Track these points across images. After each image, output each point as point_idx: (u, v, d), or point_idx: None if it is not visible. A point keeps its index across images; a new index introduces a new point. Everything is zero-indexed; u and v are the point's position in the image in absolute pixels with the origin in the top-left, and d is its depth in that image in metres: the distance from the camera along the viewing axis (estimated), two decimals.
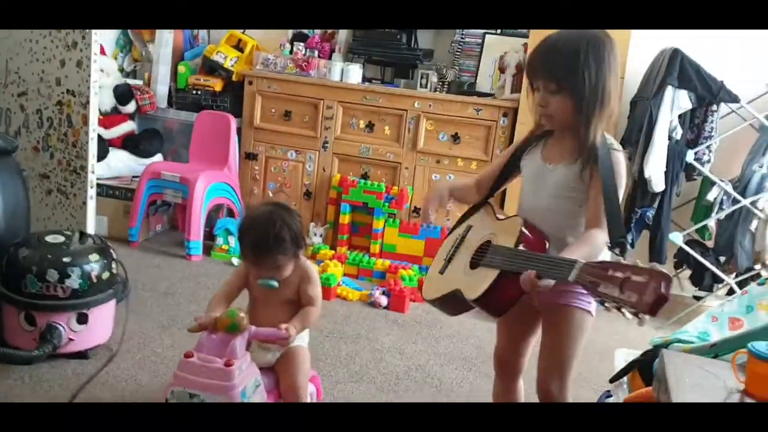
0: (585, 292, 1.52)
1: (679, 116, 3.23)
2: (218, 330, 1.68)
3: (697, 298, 3.42)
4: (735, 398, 1.26)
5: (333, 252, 3.58)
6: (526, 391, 1.85)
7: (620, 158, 1.51)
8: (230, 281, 1.91)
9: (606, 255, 1.53)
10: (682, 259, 3.47)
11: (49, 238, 2.32)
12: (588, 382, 2.55)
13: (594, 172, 1.49)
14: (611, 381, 1.81)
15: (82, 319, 2.28)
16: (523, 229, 1.51)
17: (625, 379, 1.79)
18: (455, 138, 3.60)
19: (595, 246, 1.44)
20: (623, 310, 1.21)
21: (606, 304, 1.24)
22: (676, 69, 3.13)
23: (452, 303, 1.60)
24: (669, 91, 3.15)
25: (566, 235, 1.55)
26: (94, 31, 2.80)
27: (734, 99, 3.17)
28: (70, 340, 2.27)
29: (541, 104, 1.51)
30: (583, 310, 1.60)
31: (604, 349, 2.85)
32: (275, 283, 1.80)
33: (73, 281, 2.23)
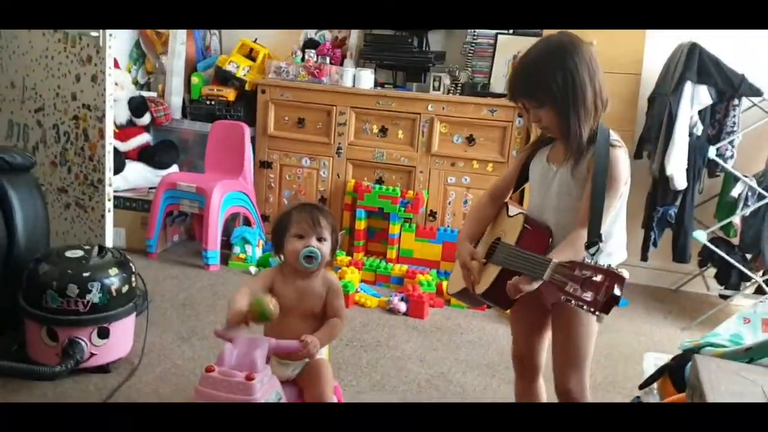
0: None
1: (700, 111, 3.17)
2: (249, 321, 1.68)
3: (724, 297, 3.36)
4: None
5: (349, 258, 3.56)
6: (548, 391, 1.83)
7: (617, 155, 1.56)
8: (254, 281, 1.85)
9: (618, 256, 1.65)
10: (706, 257, 3.41)
11: (69, 253, 2.32)
12: (615, 386, 2.50)
13: (591, 170, 1.56)
14: (641, 387, 1.77)
15: (103, 333, 2.27)
16: (526, 226, 1.62)
17: (655, 385, 1.74)
18: (470, 140, 3.57)
19: (578, 246, 1.51)
20: (584, 308, 1.33)
21: (570, 302, 1.35)
22: (695, 63, 3.08)
23: (467, 296, 1.72)
24: (688, 86, 3.10)
25: (571, 231, 1.59)
26: (108, 45, 2.80)
27: (756, 92, 3.12)
28: (92, 354, 2.26)
29: (534, 120, 1.62)
30: None
31: (629, 352, 2.81)
32: (318, 255, 1.78)
33: (94, 296, 2.23)
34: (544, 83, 1.55)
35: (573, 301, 1.34)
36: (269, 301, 1.67)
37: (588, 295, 1.30)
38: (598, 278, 1.30)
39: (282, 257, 1.86)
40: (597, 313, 1.30)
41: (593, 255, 1.47)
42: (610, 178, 1.53)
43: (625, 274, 1.30)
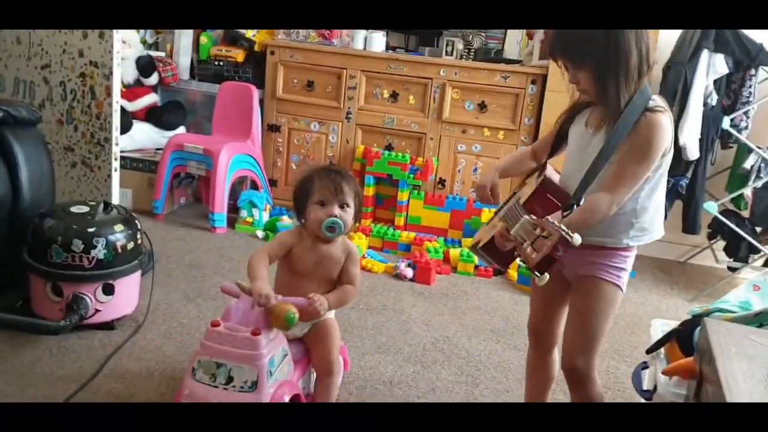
0: (616, 265, 1.58)
1: (715, 81, 3.12)
2: (271, 325, 1.65)
3: (732, 269, 3.33)
4: None
5: (357, 224, 3.53)
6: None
7: (656, 120, 1.46)
8: (271, 248, 1.81)
9: (653, 233, 1.59)
10: (716, 229, 3.38)
11: (74, 209, 2.31)
12: (620, 354, 2.49)
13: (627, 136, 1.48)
14: (648, 352, 1.75)
15: (108, 290, 2.27)
16: (540, 188, 1.56)
17: (662, 350, 1.73)
18: (482, 107, 3.52)
19: (591, 210, 1.47)
20: (526, 265, 1.35)
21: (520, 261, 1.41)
22: (713, 32, 3.01)
23: (478, 252, 1.67)
24: (705, 55, 3.04)
25: None
26: None
27: None
28: (97, 310, 2.26)
29: (572, 81, 1.54)
30: (612, 283, 1.59)
31: (636, 321, 2.80)
32: (341, 225, 1.76)
33: (99, 251, 2.22)
34: (583, 44, 1.46)
35: (520, 259, 1.39)
36: (296, 314, 1.64)
37: (533, 254, 1.31)
38: (546, 236, 1.30)
39: (303, 222, 1.83)
40: (533, 271, 1.32)
41: (564, 215, 1.47)
42: (644, 143, 1.45)
43: (577, 239, 1.28)
